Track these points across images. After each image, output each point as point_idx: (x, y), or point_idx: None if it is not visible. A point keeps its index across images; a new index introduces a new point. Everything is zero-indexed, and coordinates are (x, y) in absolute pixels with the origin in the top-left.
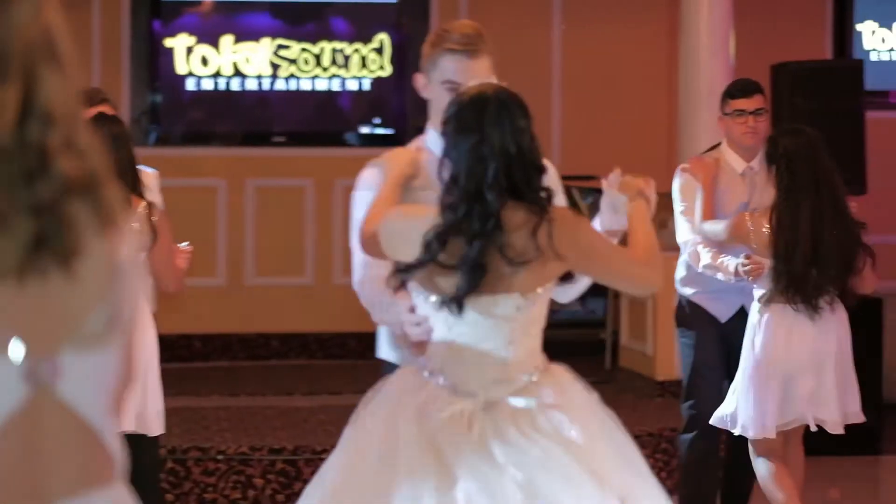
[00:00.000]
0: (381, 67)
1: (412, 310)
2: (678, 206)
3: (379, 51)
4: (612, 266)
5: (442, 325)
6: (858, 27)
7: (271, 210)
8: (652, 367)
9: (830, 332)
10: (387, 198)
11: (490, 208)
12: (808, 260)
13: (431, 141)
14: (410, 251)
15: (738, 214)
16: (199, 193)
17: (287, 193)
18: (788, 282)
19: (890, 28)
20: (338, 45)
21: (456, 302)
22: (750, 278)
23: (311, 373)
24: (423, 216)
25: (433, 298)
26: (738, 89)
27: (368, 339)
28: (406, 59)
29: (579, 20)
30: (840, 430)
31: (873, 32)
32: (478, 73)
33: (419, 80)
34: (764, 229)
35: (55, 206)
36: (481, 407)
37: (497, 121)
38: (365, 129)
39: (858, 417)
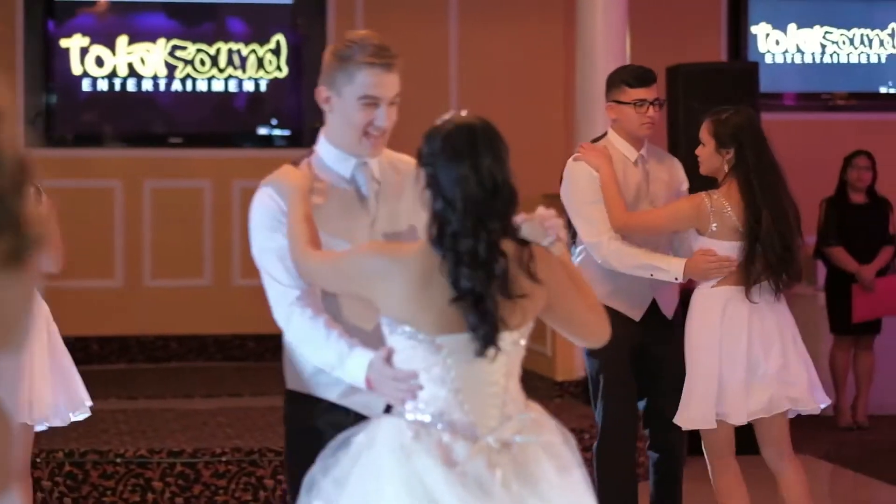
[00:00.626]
0: (278, 68)
1: (389, 356)
2: (586, 198)
3: (275, 52)
4: (575, 307)
5: (439, 367)
6: (753, 29)
7: (169, 211)
8: (552, 368)
9: (785, 312)
10: (310, 230)
11: (494, 237)
12: (783, 240)
13: (328, 155)
14: (395, 288)
15: (694, 196)
16: (95, 195)
17: (185, 195)
18: (766, 262)
19: (784, 30)
20: (234, 45)
21: (485, 341)
22: (709, 277)
23: (211, 375)
24: (410, 253)
25: (440, 339)
26: (637, 78)
27: (267, 341)
28: (302, 60)
29: (476, 21)
30: (816, 410)
31: (767, 35)
32: (393, 87)
33: (322, 94)
34: (727, 211)
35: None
36: (497, 452)
37: (488, 149)
38: (262, 131)
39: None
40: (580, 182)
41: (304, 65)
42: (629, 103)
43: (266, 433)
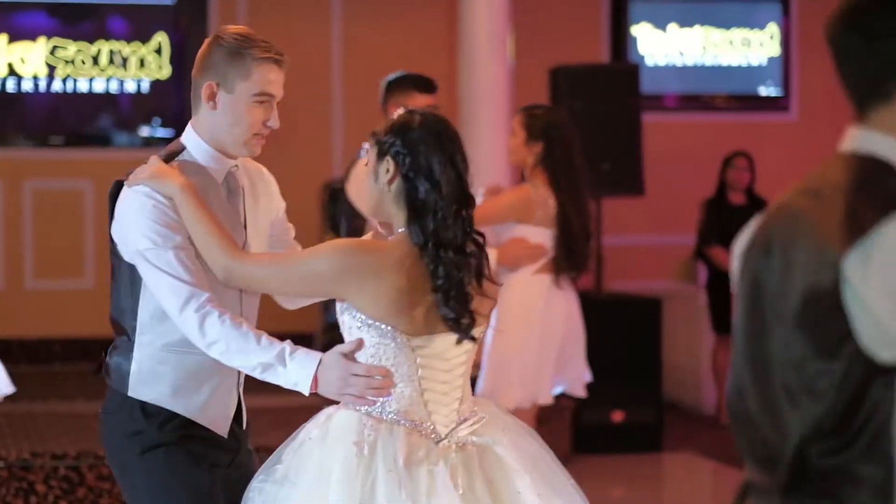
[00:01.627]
0: (160, 68)
1: (356, 349)
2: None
3: (157, 51)
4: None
5: (407, 366)
6: (634, 31)
7: (50, 212)
8: None
9: (574, 301)
10: (224, 231)
11: (469, 224)
12: (584, 234)
13: (201, 154)
14: (373, 286)
15: (520, 188)
16: None
17: (66, 195)
18: (569, 253)
19: (664, 30)
20: (115, 45)
21: (466, 330)
22: (521, 265)
23: (93, 377)
24: (386, 249)
25: (417, 340)
26: (422, 84)
27: None
28: (185, 60)
29: (359, 20)
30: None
31: (649, 36)
32: (282, 86)
33: (209, 89)
34: (549, 201)
35: None
36: (454, 450)
37: (457, 140)
38: (144, 131)
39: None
40: None
41: (187, 64)
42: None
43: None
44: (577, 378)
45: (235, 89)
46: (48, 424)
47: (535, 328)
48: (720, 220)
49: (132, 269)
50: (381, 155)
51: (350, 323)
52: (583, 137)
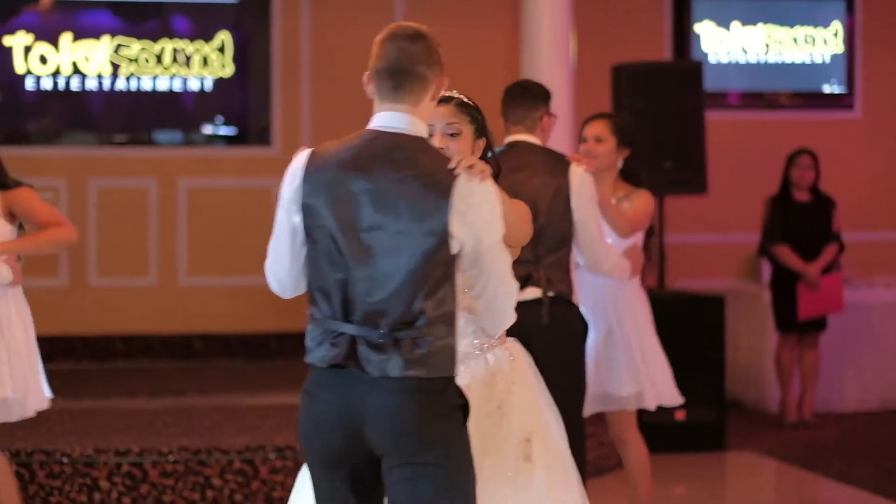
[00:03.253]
0: (223, 66)
1: None
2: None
3: (221, 50)
4: None
5: None
6: (697, 28)
7: (114, 210)
8: None
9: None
10: None
11: None
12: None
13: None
14: None
15: (646, 194)
16: (40, 194)
17: (130, 194)
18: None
19: (728, 28)
20: (179, 44)
21: None
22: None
23: (156, 374)
24: None
25: None
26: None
27: (214, 341)
28: (247, 59)
29: (421, 18)
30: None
31: (712, 34)
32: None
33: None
34: None
35: None
36: None
37: None
38: (207, 129)
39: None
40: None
41: (250, 63)
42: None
43: (213, 432)
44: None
45: None
46: (110, 421)
47: (652, 333)
48: (785, 217)
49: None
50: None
51: None
52: (645, 135)
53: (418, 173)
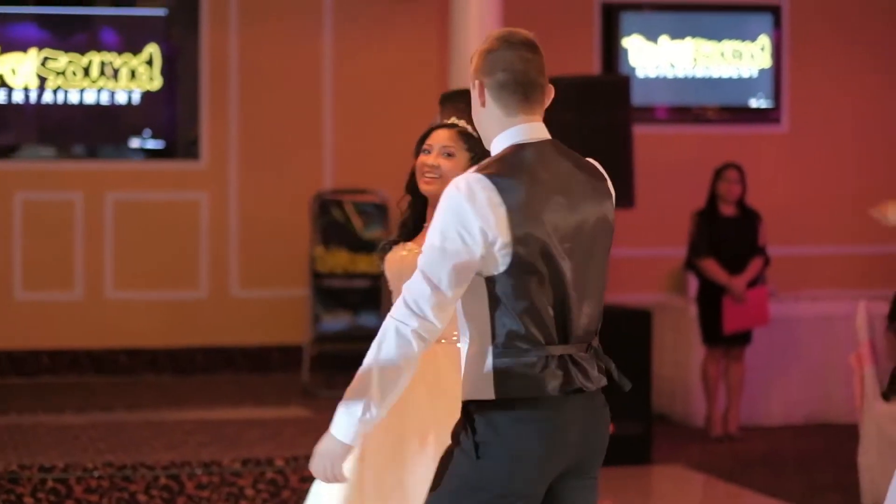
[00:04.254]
0: (151, 79)
1: None
2: None
3: (149, 63)
4: None
5: None
6: (625, 43)
7: (40, 223)
8: None
9: None
10: None
11: None
12: None
13: None
14: None
15: None
16: None
17: (56, 207)
18: None
19: (656, 41)
20: (107, 56)
21: None
22: None
23: (83, 389)
24: None
25: None
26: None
27: (141, 356)
28: (176, 72)
29: (350, 33)
30: None
31: (640, 48)
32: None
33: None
34: None
35: None
36: None
37: None
38: (135, 143)
39: None
40: None
41: (178, 76)
42: None
43: (140, 448)
44: None
45: None
46: (36, 436)
47: None
48: (711, 231)
49: None
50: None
51: None
52: (574, 149)
53: (589, 176)
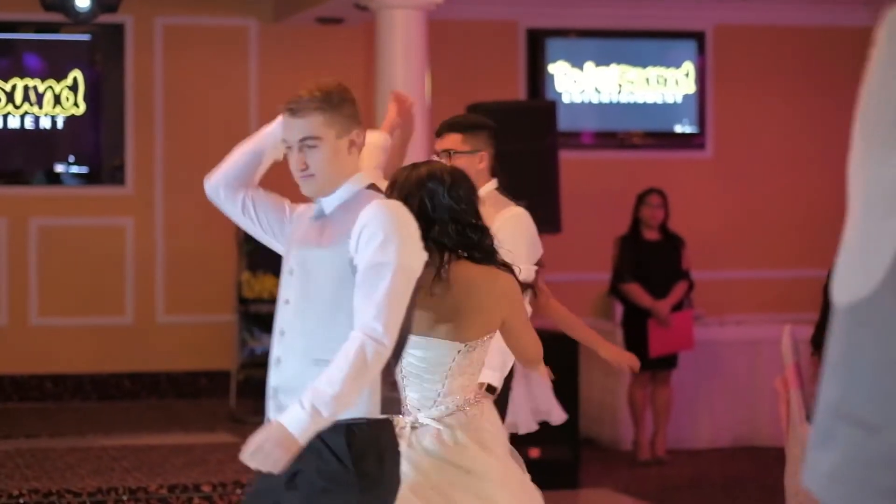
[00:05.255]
0: (75, 105)
1: None
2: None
3: (72, 88)
4: (521, 334)
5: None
6: (551, 69)
7: None
8: None
9: None
10: None
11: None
12: None
13: None
14: None
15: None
16: None
17: None
18: None
19: (581, 68)
20: (30, 82)
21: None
22: None
23: (8, 416)
24: None
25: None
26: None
27: (67, 382)
28: (100, 97)
29: (275, 58)
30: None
31: (565, 74)
32: (298, 132)
33: None
34: None
35: None
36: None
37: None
38: (59, 168)
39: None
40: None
41: (102, 101)
42: (438, 154)
43: (65, 474)
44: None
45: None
46: None
47: None
48: (635, 256)
49: None
50: None
51: None
52: (500, 174)
53: None
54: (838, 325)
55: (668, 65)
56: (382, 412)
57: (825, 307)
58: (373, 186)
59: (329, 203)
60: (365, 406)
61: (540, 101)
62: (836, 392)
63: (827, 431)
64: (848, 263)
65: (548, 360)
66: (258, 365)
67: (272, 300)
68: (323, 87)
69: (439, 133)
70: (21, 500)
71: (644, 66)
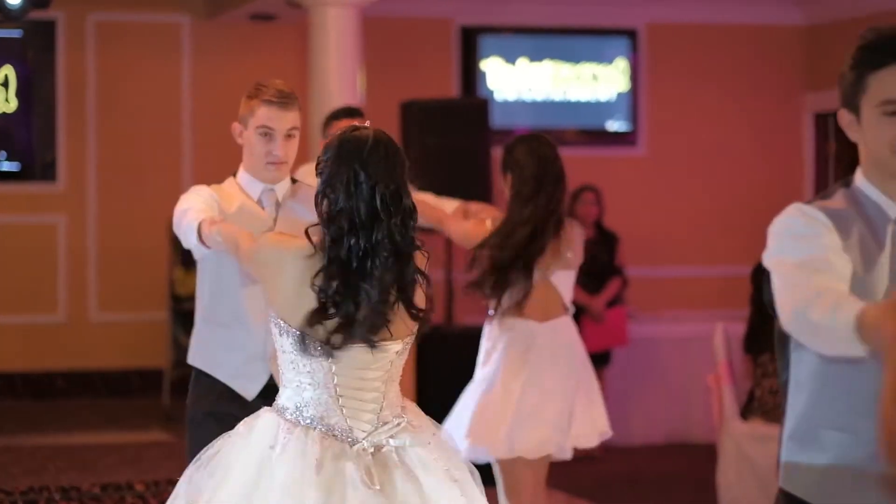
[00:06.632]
0: (7, 101)
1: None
2: None
3: (4, 85)
4: None
5: (319, 370)
6: (484, 65)
7: None
8: None
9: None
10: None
11: (366, 250)
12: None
13: (244, 181)
14: (280, 281)
15: (479, 223)
16: None
17: None
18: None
19: (514, 65)
20: None
21: (334, 346)
22: None
23: None
24: (295, 246)
25: (310, 341)
26: (346, 112)
27: None
28: (32, 93)
29: (208, 56)
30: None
31: (498, 71)
32: (288, 123)
33: (236, 129)
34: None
35: None
36: (370, 453)
37: (376, 159)
38: None
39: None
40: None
41: (34, 98)
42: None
43: None
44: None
45: (247, 125)
46: None
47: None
48: None
49: None
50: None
51: (274, 331)
52: (434, 171)
53: None
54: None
55: (601, 61)
56: None
57: (755, 310)
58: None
59: (281, 188)
60: None
61: (473, 99)
62: (809, 404)
63: (810, 439)
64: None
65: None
66: None
67: None
68: (288, 85)
69: (353, 114)
70: None
71: (577, 62)
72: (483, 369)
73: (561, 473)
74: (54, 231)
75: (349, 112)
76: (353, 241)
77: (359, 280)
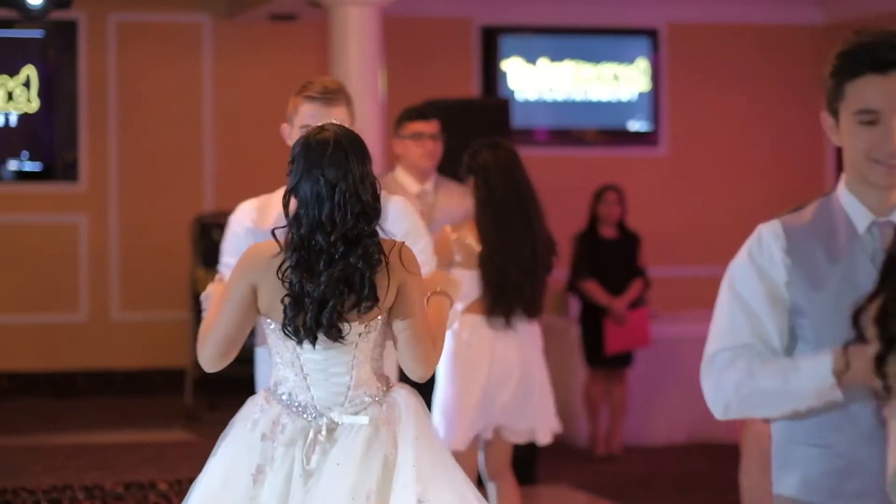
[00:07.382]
0: (29, 101)
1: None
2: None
3: (26, 85)
4: (416, 325)
5: (285, 351)
6: (504, 65)
7: None
8: None
9: (527, 343)
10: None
11: (324, 247)
12: (513, 272)
13: None
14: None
15: (439, 231)
16: None
17: None
18: (496, 293)
19: (535, 65)
20: None
21: (309, 336)
22: None
23: None
24: (262, 251)
25: (274, 327)
26: (416, 112)
27: (21, 379)
28: (53, 93)
29: (229, 55)
30: (548, 440)
31: (519, 71)
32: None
33: (285, 130)
34: (468, 241)
35: None
36: (323, 429)
37: (336, 161)
38: (13, 165)
39: (555, 428)
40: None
41: (56, 98)
42: (408, 136)
43: (20, 472)
44: (540, 423)
45: (292, 124)
46: None
47: (454, 368)
48: (592, 253)
49: None
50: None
51: (262, 323)
52: (454, 172)
53: None
54: None
55: (622, 61)
56: None
57: None
58: None
59: None
60: None
61: (494, 99)
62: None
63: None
64: None
65: None
66: None
67: None
68: (338, 81)
69: (427, 116)
70: None
71: (598, 62)
72: None
73: (583, 473)
74: (76, 231)
75: (420, 114)
76: (314, 241)
77: (317, 276)
